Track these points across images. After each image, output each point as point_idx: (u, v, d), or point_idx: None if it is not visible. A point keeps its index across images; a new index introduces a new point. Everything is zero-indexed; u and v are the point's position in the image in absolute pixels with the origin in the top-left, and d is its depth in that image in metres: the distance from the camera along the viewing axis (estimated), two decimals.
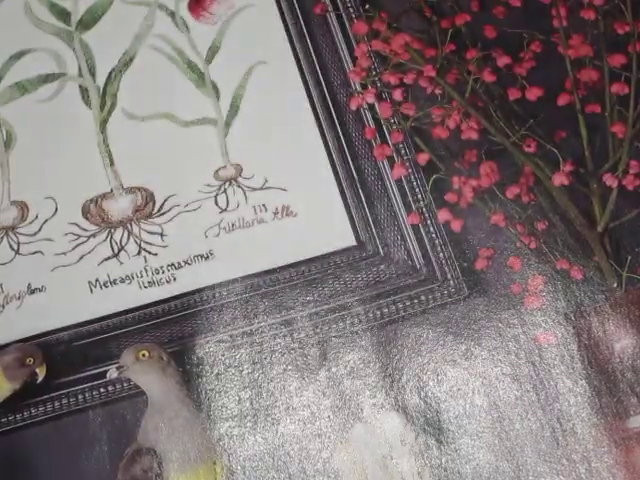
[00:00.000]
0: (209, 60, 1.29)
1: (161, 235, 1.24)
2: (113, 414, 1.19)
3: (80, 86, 1.29)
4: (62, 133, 1.28)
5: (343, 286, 1.20)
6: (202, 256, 1.23)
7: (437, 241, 1.19)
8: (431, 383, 1.11)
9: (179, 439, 1.11)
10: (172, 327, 1.21)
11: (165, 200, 1.25)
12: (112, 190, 1.26)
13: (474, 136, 1.12)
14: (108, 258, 1.24)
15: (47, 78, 1.30)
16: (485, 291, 1.16)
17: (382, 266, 1.21)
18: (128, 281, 1.23)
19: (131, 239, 1.25)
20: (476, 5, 1.19)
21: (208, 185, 1.25)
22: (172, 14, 1.30)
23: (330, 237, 1.22)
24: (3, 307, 1.24)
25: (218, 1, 1.30)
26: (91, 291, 1.23)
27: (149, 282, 1.23)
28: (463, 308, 1.16)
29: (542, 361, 1.09)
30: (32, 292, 1.24)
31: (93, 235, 1.25)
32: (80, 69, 1.30)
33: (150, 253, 1.24)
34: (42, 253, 1.25)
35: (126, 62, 1.29)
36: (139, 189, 1.26)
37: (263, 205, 1.24)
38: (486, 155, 1.14)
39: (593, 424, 1.06)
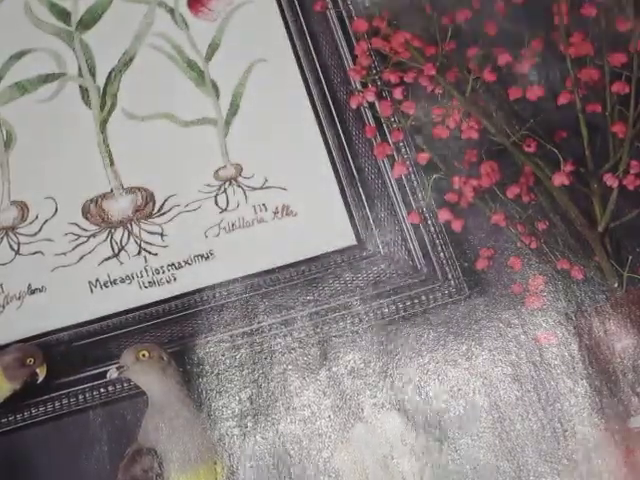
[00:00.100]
0: (209, 58, 1.29)
1: (161, 235, 1.24)
2: (113, 414, 1.19)
3: (80, 86, 1.29)
4: (62, 133, 1.28)
5: (343, 286, 1.20)
6: (202, 256, 1.23)
7: (438, 241, 1.19)
8: (432, 383, 1.11)
9: (179, 439, 1.11)
10: (172, 327, 1.21)
11: (165, 200, 1.25)
12: (112, 190, 1.26)
13: (474, 136, 1.12)
14: (108, 258, 1.24)
15: (47, 78, 1.30)
16: (486, 291, 1.16)
17: (382, 265, 1.20)
18: (128, 281, 1.23)
19: (131, 239, 1.24)
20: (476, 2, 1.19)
21: (208, 185, 1.25)
22: (171, 11, 1.30)
23: (330, 236, 1.22)
24: (3, 307, 1.24)
25: None
26: (91, 291, 1.23)
27: (149, 282, 1.23)
28: (464, 308, 1.16)
29: (543, 361, 1.09)
30: (32, 292, 1.24)
31: (93, 235, 1.25)
32: (80, 69, 1.29)
33: (150, 253, 1.24)
34: (42, 253, 1.25)
35: (126, 62, 1.29)
36: (139, 189, 1.26)
37: (263, 205, 1.24)
38: (486, 155, 1.13)
39: (594, 424, 1.06)
